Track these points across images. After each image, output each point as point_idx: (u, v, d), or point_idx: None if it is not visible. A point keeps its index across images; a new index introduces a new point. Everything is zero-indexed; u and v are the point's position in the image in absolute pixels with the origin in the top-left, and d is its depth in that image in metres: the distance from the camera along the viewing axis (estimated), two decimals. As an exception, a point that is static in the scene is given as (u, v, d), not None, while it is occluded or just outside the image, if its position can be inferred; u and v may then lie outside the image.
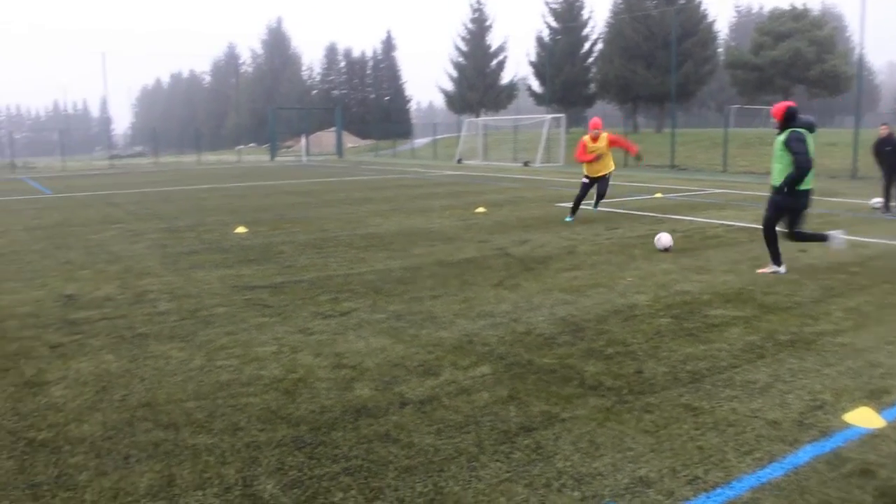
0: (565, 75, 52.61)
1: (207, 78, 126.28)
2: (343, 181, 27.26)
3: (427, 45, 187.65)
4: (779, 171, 8.26)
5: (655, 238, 10.07)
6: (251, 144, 79.27)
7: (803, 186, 8.19)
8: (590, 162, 13.42)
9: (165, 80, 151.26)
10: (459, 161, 41.18)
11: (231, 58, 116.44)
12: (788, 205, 8.31)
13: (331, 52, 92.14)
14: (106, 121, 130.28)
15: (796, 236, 8.51)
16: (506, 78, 64.43)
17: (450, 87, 64.52)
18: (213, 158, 58.39)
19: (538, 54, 55.58)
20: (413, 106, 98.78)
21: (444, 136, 56.31)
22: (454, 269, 9.01)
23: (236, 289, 8.13)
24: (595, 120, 13.62)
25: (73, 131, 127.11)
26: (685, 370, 5.24)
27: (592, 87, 53.61)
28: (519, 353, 5.65)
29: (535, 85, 56.83)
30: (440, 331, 6.28)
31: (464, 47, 63.96)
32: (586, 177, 13.64)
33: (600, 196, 13.74)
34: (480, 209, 15.62)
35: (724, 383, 4.97)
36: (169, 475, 3.76)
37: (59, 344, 6.12)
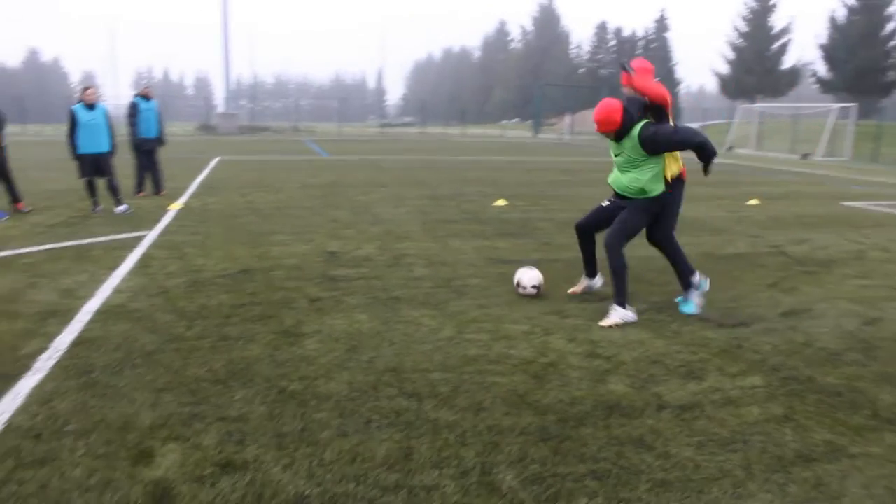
0: (859, 60, 47.79)
1: (477, 53, 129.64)
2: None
3: (702, 26, 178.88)
4: (645, 177, 5.83)
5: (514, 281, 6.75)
6: (515, 120, 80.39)
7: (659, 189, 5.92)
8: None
9: (437, 55, 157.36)
10: (730, 149, 38.80)
11: (501, 34, 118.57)
12: (658, 209, 6.05)
13: (601, 30, 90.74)
14: (380, 92, 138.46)
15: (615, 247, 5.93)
16: (788, 62, 59.92)
17: (725, 70, 61.12)
18: (476, 132, 59.90)
19: (830, 36, 50.93)
20: (682, 89, 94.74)
21: (714, 121, 53.41)
22: (722, 263, 8.27)
23: (491, 261, 8.00)
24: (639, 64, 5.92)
25: (351, 100, 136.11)
26: None
27: (892, 73, 48.16)
28: (797, 366, 4.95)
29: (823, 70, 52.29)
30: (705, 330, 5.68)
31: (744, 28, 60.21)
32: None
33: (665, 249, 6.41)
34: (753, 201, 14.41)
35: None
36: (407, 447, 3.62)
37: (318, 298, 6.31)
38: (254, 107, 71.13)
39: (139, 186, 13.72)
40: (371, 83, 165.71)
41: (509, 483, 3.32)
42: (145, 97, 13.73)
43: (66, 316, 5.74)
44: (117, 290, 6.55)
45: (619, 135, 5.81)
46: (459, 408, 4.10)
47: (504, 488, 3.27)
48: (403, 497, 3.21)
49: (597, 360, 4.94)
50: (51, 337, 5.24)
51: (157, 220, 10.53)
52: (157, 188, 13.83)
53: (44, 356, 4.85)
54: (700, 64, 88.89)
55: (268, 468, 3.40)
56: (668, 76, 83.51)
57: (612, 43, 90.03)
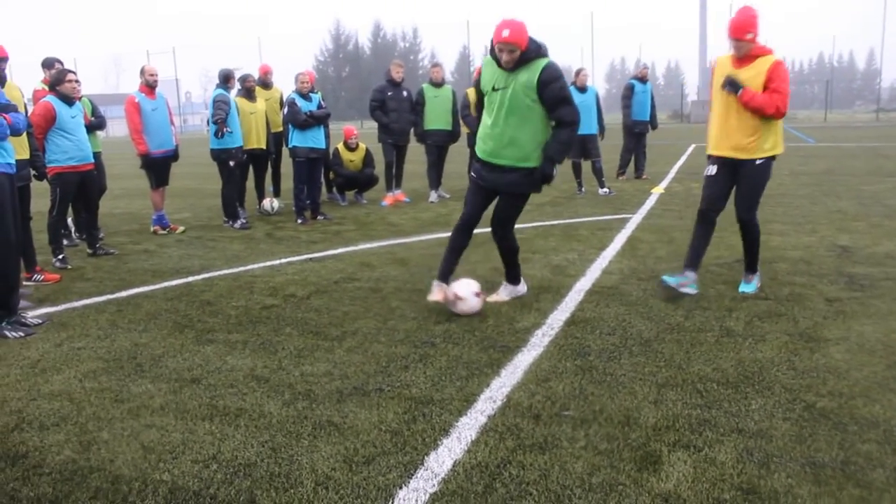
0: None
1: None
2: None
3: None
4: (527, 134, 4.96)
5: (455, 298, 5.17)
6: None
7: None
8: None
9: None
10: None
11: None
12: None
13: None
14: (872, 73, 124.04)
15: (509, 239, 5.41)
16: None
17: None
18: None
19: None
20: None
21: None
22: None
23: None
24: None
25: (836, 83, 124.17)
26: None
27: None
28: None
29: None
30: None
31: None
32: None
33: None
34: None
35: None
36: None
37: (835, 298, 5.34)
38: (727, 94, 68.85)
39: (621, 169, 13.69)
40: (860, 64, 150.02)
41: None
42: (641, 79, 13.56)
43: (559, 293, 5.65)
44: (607, 272, 6.34)
45: (518, 61, 4.90)
46: None
47: None
48: None
49: None
50: (545, 313, 5.15)
51: (640, 203, 10.29)
52: (639, 172, 13.67)
53: (539, 332, 4.75)
54: None
55: (805, 505, 2.71)
56: None
57: None
